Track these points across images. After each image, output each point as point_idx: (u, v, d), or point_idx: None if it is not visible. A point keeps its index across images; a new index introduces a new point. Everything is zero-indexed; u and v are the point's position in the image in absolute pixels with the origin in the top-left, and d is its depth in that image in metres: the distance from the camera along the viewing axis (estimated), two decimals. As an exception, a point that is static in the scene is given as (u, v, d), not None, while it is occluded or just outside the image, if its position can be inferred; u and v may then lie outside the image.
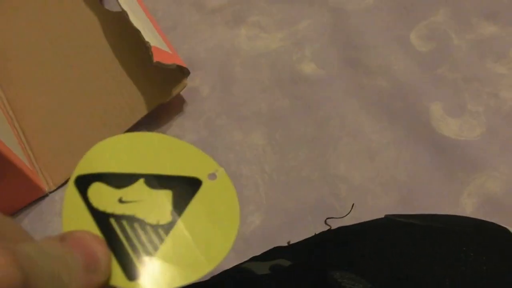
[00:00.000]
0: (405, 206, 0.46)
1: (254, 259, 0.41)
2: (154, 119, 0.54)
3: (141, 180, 0.29)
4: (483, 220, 0.39)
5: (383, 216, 0.41)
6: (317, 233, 0.42)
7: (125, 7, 0.52)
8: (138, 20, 0.52)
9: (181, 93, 0.54)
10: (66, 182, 0.54)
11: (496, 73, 0.49)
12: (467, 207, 0.45)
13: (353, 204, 0.46)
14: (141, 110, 0.54)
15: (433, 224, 0.39)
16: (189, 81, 0.54)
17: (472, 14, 0.53)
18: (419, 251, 0.38)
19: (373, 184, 0.47)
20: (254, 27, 0.57)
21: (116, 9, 0.57)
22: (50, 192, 0.55)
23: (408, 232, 0.39)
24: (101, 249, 0.26)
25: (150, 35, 0.51)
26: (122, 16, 0.53)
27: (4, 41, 0.62)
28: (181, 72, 0.53)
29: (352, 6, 0.56)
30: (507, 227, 0.39)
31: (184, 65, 0.52)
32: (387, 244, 0.38)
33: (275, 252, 0.41)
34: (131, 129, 0.54)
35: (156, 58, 0.48)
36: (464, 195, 0.45)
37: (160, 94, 0.53)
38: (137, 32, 0.50)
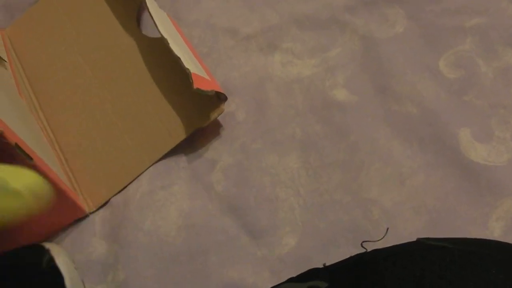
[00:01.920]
0: (435, 229, 0.47)
1: (290, 280, 0.43)
2: (192, 142, 0.56)
3: None
4: None
5: (414, 239, 0.43)
6: (351, 255, 0.44)
7: (165, 34, 0.54)
8: (178, 46, 0.54)
9: (218, 117, 0.55)
10: (105, 203, 0.56)
11: (522, 101, 0.51)
12: (495, 230, 0.46)
13: (387, 228, 0.48)
14: (180, 134, 0.55)
15: (464, 248, 0.41)
16: (225, 106, 0.55)
17: (498, 42, 0.54)
18: (451, 275, 0.39)
19: (404, 207, 0.49)
20: (287, 54, 0.59)
21: (153, 34, 0.59)
22: (91, 213, 0.56)
23: (440, 255, 0.40)
24: None
25: (189, 62, 0.53)
26: (159, 42, 0.55)
27: (44, 64, 0.64)
28: (218, 98, 0.55)
29: (382, 34, 0.58)
30: None
31: (222, 91, 0.54)
32: (420, 267, 0.40)
33: (311, 274, 0.42)
34: (169, 153, 0.56)
35: (196, 85, 0.50)
36: (493, 219, 0.47)
37: (198, 118, 0.55)
38: (177, 59, 0.52)
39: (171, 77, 0.58)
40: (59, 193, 0.52)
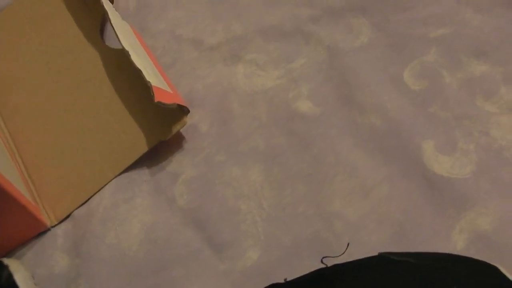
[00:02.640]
0: (399, 242, 0.47)
1: None
2: (155, 155, 0.56)
3: None
4: (475, 259, 0.41)
5: (377, 253, 0.42)
6: (313, 269, 0.43)
7: (127, 46, 0.53)
8: (139, 58, 0.54)
9: (181, 129, 0.55)
10: (67, 217, 0.55)
11: (486, 111, 0.51)
12: (458, 243, 0.46)
13: (348, 244, 0.48)
14: (142, 147, 0.55)
15: (427, 262, 0.41)
16: (188, 118, 0.55)
17: (463, 53, 0.54)
18: None
19: (367, 220, 0.48)
20: (251, 65, 0.59)
21: (117, 45, 0.58)
22: (52, 227, 0.55)
23: (402, 270, 0.40)
24: None
25: (151, 74, 0.53)
26: (123, 54, 0.54)
27: (6, 74, 0.64)
28: (181, 110, 0.54)
29: (346, 44, 0.57)
30: (497, 265, 0.40)
31: (184, 104, 0.53)
32: (382, 282, 0.40)
33: None
34: (132, 165, 0.56)
35: (157, 98, 0.50)
36: (456, 231, 0.46)
37: (160, 131, 0.55)
38: (138, 72, 0.52)
39: (134, 89, 0.58)
40: (20, 208, 0.52)
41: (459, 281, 0.39)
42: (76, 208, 0.56)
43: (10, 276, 0.49)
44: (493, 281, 0.39)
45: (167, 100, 0.51)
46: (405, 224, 0.48)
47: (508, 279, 0.40)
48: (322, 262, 0.44)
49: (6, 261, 0.50)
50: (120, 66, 0.59)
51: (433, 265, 0.41)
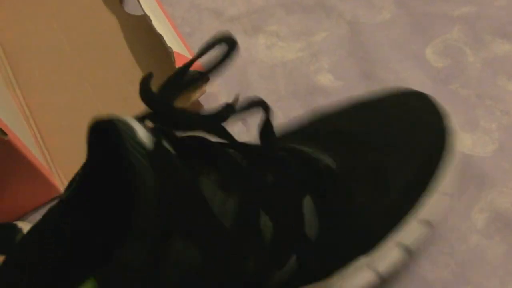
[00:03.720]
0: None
1: None
2: (172, 123, 0.55)
3: None
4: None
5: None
6: None
7: (148, 12, 0.53)
8: (160, 24, 0.53)
9: (199, 98, 0.54)
10: (81, 182, 0.55)
11: (508, 91, 0.51)
12: (478, 222, 0.46)
13: None
14: (160, 115, 0.54)
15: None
16: (208, 87, 0.55)
17: (486, 32, 0.54)
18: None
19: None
20: (272, 37, 0.58)
21: (136, 12, 0.58)
22: (66, 192, 0.55)
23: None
24: None
25: (172, 41, 0.52)
26: (142, 20, 0.54)
27: (23, 40, 0.63)
28: (201, 78, 0.53)
29: (368, 19, 0.57)
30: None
31: (205, 71, 0.53)
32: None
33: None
34: (148, 133, 0.55)
35: (178, 64, 0.49)
36: (475, 210, 0.46)
37: (179, 98, 0.54)
38: (159, 37, 0.51)
39: (154, 55, 0.57)
40: (34, 172, 0.51)
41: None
42: (91, 176, 0.55)
43: None
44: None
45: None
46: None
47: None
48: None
49: (20, 224, 0.50)
50: (139, 33, 0.59)
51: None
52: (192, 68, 0.50)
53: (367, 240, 0.40)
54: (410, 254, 0.40)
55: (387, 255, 0.40)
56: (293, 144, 0.39)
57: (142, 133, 0.30)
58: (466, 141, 0.49)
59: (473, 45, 0.53)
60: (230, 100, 0.54)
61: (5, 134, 0.46)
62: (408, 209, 0.40)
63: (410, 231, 0.40)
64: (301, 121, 0.44)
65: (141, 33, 0.58)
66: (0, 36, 0.64)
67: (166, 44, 0.51)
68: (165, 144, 0.30)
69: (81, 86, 0.59)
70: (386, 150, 0.40)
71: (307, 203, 0.36)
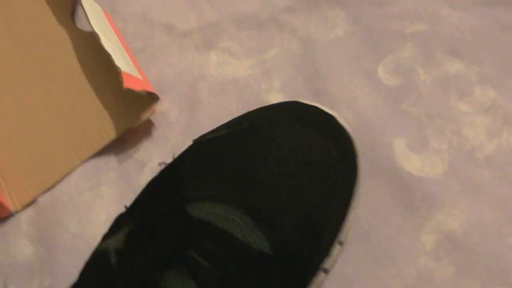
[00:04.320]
0: (367, 238, 0.46)
1: (104, 238, 0.41)
2: (122, 142, 0.55)
3: None
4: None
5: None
6: None
7: (97, 29, 0.52)
8: (110, 42, 0.53)
9: (150, 116, 0.54)
10: (32, 202, 0.54)
11: (459, 110, 0.50)
12: (427, 243, 0.46)
13: None
14: (110, 134, 0.54)
15: (238, 127, 0.44)
16: (158, 105, 0.54)
17: (438, 50, 0.54)
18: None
19: (336, 217, 0.48)
20: (223, 53, 0.58)
21: (88, 28, 0.57)
22: (16, 212, 0.54)
23: (217, 144, 0.43)
24: None
25: (121, 60, 0.51)
26: (93, 37, 0.53)
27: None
28: (150, 97, 0.53)
29: (321, 36, 0.56)
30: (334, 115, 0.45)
31: (154, 91, 0.52)
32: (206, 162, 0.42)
33: (120, 221, 0.41)
34: (99, 152, 0.54)
35: (126, 84, 0.49)
36: (424, 231, 0.46)
37: (130, 118, 0.54)
38: (108, 56, 0.51)
39: (105, 73, 0.57)
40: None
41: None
42: (41, 194, 0.55)
43: None
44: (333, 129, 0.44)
45: (136, 87, 0.50)
46: (373, 220, 0.47)
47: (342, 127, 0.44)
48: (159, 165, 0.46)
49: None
50: (91, 49, 0.58)
51: (246, 127, 0.44)
52: (140, 87, 0.50)
53: (305, 283, 0.41)
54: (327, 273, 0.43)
55: (315, 283, 0.43)
56: (211, 216, 0.38)
57: None
58: (415, 163, 0.49)
59: (425, 63, 0.53)
60: (179, 117, 0.54)
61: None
62: (335, 239, 0.43)
63: (331, 257, 0.43)
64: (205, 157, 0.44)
65: (93, 50, 0.58)
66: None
67: (115, 63, 0.50)
68: None
69: (32, 103, 0.58)
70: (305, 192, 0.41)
71: None
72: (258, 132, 0.43)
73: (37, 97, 0.58)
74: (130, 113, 0.54)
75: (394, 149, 0.49)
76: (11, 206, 0.54)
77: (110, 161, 0.55)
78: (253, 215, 0.38)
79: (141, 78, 0.53)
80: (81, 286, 0.36)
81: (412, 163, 0.49)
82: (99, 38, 0.51)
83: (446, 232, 0.46)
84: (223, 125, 0.46)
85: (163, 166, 0.46)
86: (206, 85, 0.56)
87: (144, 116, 0.53)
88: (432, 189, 0.47)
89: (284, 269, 0.38)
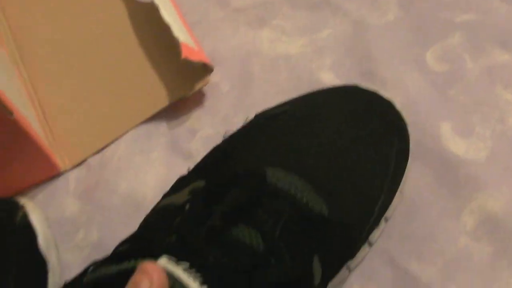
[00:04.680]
0: (410, 217, 0.48)
1: (165, 196, 0.44)
2: (174, 110, 0.56)
3: None
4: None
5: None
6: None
7: (156, 0, 0.54)
8: (168, 13, 0.54)
9: (202, 88, 0.55)
10: (81, 163, 0.56)
11: (504, 99, 0.52)
12: (468, 223, 0.47)
13: None
14: (163, 101, 0.56)
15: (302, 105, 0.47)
16: (210, 77, 0.56)
17: (487, 40, 0.55)
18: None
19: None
20: (276, 31, 0.59)
21: (145, 0, 0.59)
22: (66, 171, 0.56)
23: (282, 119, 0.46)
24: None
25: (179, 31, 0.53)
26: (150, 8, 0.54)
27: (29, 19, 0.64)
28: (204, 68, 0.55)
29: (373, 20, 0.58)
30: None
31: (210, 62, 0.54)
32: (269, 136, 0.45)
33: (182, 182, 0.43)
34: (151, 118, 0.56)
35: (184, 55, 0.50)
36: (466, 212, 0.48)
37: (183, 87, 0.55)
38: (166, 27, 0.52)
39: (159, 44, 0.58)
40: (35, 148, 0.52)
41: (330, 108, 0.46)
42: (91, 156, 0.56)
43: (25, 216, 0.49)
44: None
45: (193, 58, 0.52)
46: (417, 200, 0.49)
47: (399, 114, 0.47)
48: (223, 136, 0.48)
49: (22, 200, 0.51)
50: (146, 20, 0.60)
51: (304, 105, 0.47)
52: (196, 58, 0.52)
53: (355, 249, 0.44)
54: (371, 246, 0.45)
55: (361, 254, 0.46)
56: (282, 182, 0.41)
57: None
58: (460, 146, 0.50)
59: (473, 52, 0.54)
60: (231, 90, 0.55)
61: (11, 113, 0.47)
62: (384, 213, 0.45)
63: (378, 230, 0.46)
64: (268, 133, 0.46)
65: (149, 21, 0.59)
66: (6, 11, 0.65)
67: (174, 34, 0.52)
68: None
69: (86, 68, 0.60)
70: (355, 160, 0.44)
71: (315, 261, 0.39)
72: (319, 112, 0.46)
73: (92, 63, 0.60)
74: (184, 82, 0.55)
75: (441, 132, 0.51)
76: (61, 165, 0.56)
77: (161, 128, 0.56)
78: (314, 184, 0.41)
79: (197, 49, 0.55)
80: (143, 237, 0.38)
81: (458, 146, 0.50)
82: (158, 9, 0.53)
83: (486, 214, 0.47)
84: (285, 102, 0.49)
85: (227, 135, 0.48)
86: (258, 60, 0.58)
87: (198, 86, 0.55)
88: (475, 171, 0.49)
89: (339, 235, 0.41)
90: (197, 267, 0.32)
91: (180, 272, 0.32)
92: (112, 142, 0.56)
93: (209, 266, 0.33)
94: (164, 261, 0.32)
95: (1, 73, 0.54)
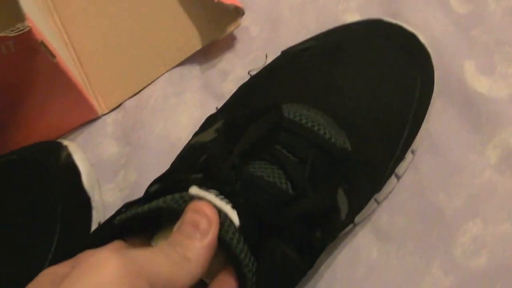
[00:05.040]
0: (435, 151, 0.50)
1: (195, 134, 0.46)
2: (206, 53, 0.58)
3: None
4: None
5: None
6: None
7: None
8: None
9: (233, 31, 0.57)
10: (118, 106, 0.58)
11: (526, 38, 0.54)
12: (491, 158, 0.49)
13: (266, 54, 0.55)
14: (196, 44, 0.57)
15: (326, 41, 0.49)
16: (241, 21, 0.57)
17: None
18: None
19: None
20: (303, -25, 0.61)
21: None
22: (103, 115, 0.58)
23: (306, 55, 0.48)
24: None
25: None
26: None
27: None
28: (236, 12, 0.56)
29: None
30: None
31: (241, 5, 0.55)
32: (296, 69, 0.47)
33: (211, 120, 0.45)
34: (183, 61, 0.58)
35: (220, -5, 0.52)
36: (489, 147, 0.50)
37: (214, 30, 0.57)
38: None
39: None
40: (77, 93, 0.55)
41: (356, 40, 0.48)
42: (127, 99, 0.59)
43: (69, 156, 0.51)
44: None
45: (226, 0, 0.54)
46: (442, 135, 0.51)
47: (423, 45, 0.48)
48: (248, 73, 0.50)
49: (65, 142, 0.53)
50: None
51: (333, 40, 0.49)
52: (229, 1, 0.53)
53: (381, 182, 0.46)
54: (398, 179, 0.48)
55: (388, 187, 0.47)
56: (304, 118, 0.42)
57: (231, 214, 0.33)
58: (483, 84, 0.52)
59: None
60: (261, 33, 0.57)
61: (54, 56, 0.49)
62: (409, 146, 0.47)
63: (404, 162, 0.47)
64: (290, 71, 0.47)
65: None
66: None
67: None
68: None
69: (119, 14, 0.61)
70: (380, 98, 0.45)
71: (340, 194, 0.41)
72: (343, 46, 0.47)
73: (124, 9, 0.61)
74: (216, 26, 0.57)
75: (464, 70, 0.53)
76: (98, 109, 0.58)
77: (194, 70, 0.58)
78: (337, 118, 0.43)
79: (229, -8, 0.57)
80: (171, 175, 0.39)
81: (481, 83, 0.52)
82: None
83: (510, 148, 0.49)
84: (310, 38, 0.50)
85: (253, 73, 0.50)
86: (287, 4, 0.60)
87: (229, 29, 0.56)
88: (498, 108, 0.51)
89: (364, 168, 0.43)
90: (225, 195, 0.34)
91: (212, 196, 0.33)
92: (148, 85, 0.59)
93: (236, 194, 0.34)
94: (194, 189, 0.34)
95: (40, 17, 0.55)
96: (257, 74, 0.49)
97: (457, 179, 0.49)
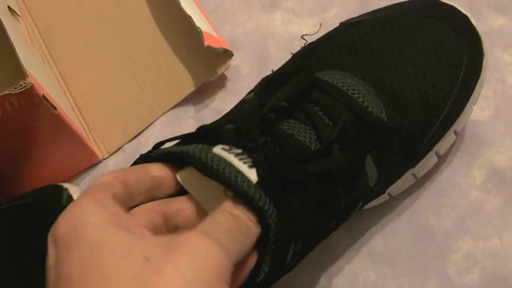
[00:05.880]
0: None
1: (249, 92, 0.48)
2: (199, 94, 0.61)
3: None
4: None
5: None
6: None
7: (176, -8, 0.58)
8: (188, 4, 0.58)
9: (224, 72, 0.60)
10: (118, 150, 0.60)
11: (503, 61, 0.56)
12: (477, 178, 0.51)
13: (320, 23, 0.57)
14: (189, 87, 0.60)
15: (379, 16, 0.49)
16: (231, 61, 0.60)
17: (483, 6, 0.59)
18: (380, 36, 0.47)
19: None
20: (288, 13, 0.63)
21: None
22: (104, 159, 0.60)
23: (357, 26, 0.49)
24: None
25: (199, 21, 0.57)
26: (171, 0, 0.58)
27: (55, 17, 0.68)
28: (225, 54, 0.59)
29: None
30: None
31: (229, 48, 0.58)
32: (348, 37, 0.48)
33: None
34: (178, 103, 0.60)
35: (207, 42, 0.55)
36: (474, 168, 0.52)
37: (205, 73, 0.59)
38: (188, 18, 0.56)
39: (181, 33, 0.62)
40: (78, 141, 0.57)
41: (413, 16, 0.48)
42: (127, 143, 0.61)
43: (70, 197, 0.53)
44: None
45: (215, 44, 0.56)
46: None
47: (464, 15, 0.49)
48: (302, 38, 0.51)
49: (65, 185, 0.55)
50: (168, 11, 0.63)
51: (387, 15, 0.49)
52: (217, 45, 0.56)
53: (416, 157, 0.47)
54: (439, 158, 0.49)
55: (426, 164, 0.48)
56: (346, 84, 0.44)
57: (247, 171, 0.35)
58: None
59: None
60: (251, 71, 0.59)
61: (55, 108, 0.51)
62: (450, 125, 0.47)
63: (445, 141, 0.48)
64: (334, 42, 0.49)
65: (170, 11, 0.63)
66: (32, 13, 0.68)
67: (195, 24, 0.56)
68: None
69: (114, 59, 0.64)
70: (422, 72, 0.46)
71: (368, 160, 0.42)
72: (396, 22, 0.48)
73: (119, 54, 0.64)
74: (207, 68, 0.59)
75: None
76: (99, 154, 0.60)
77: (189, 111, 0.61)
78: (377, 88, 0.44)
79: (217, 36, 0.59)
80: (209, 126, 0.40)
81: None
82: (179, 2, 0.57)
83: (494, 168, 0.51)
84: (366, 13, 0.51)
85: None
86: (274, 42, 0.62)
87: (220, 71, 0.59)
88: (481, 130, 0.53)
89: (397, 141, 0.44)
90: (248, 152, 0.35)
91: (231, 157, 0.35)
92: (145, 128, 0.61)
93: (258, 150, 0.35)
94: (217, 149, 0.35)
95: (39, 70, 0.57)
96: (313, 42, 0.50)
97: (445, 201, 0.51)
